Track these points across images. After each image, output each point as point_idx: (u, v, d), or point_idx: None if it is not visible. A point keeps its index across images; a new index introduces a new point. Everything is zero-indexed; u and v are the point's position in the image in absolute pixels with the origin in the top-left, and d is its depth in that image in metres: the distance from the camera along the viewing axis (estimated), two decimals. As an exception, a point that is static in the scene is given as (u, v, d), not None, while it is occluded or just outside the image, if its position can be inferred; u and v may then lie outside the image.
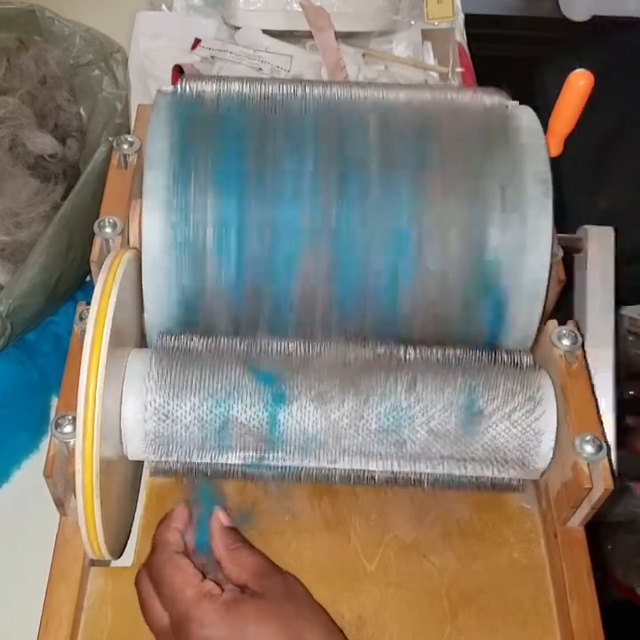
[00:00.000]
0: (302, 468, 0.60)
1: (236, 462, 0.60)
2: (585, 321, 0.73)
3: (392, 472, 0.61)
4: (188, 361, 0.60)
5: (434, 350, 0.62)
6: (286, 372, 0.59)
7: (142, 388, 0.58)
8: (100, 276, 0.56)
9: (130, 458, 0.61)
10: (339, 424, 0.58)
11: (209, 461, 0.60)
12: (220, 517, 0.58)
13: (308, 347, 0.62)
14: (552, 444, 0.60)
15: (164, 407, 0.58)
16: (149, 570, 0.56)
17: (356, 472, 0.61)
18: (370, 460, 0.60)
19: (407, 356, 0.61)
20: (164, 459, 0.60)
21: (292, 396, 0.58)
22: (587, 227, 0.76)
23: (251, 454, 0.59)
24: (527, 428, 0.59)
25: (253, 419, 0.58)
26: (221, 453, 0.59)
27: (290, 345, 0.62)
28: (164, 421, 0.58)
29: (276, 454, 0.59)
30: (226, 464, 0.60)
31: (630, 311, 1.33)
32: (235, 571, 0.55)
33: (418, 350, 0.62)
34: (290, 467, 0.60)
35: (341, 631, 0.56)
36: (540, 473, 0.62)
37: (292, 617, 0.53)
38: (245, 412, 0.58)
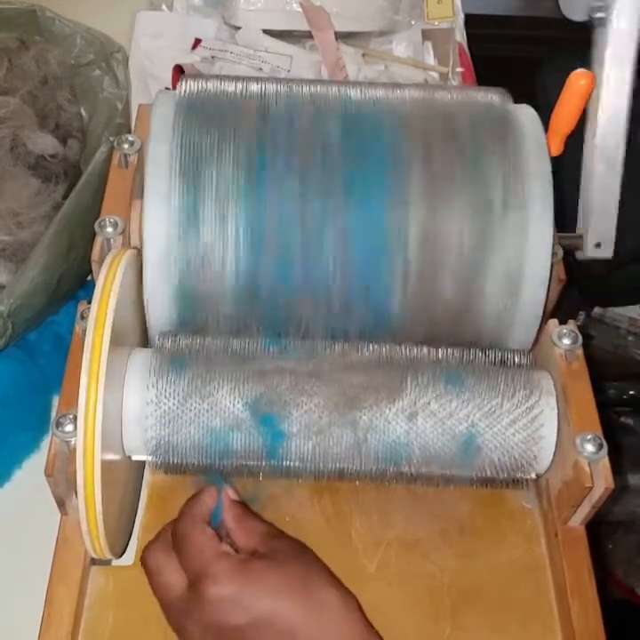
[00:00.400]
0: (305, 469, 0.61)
1: (238, 463, 0.60)
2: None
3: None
4: (189, 362, 0.60)
5: (434, 351, 0.62)
6: (283, 405, 0.59)
7: (143, 388, 0.58)
8: (100, 275, 0.56)
9: (130, 457, 0.61)
10: (337, 448, 0.59)
11: (209, 462, 0.60)
12: (230, 493, 0.59)
13: (306, 348, 0.62)
14: (553, 442, 0.60)
15: (164, 407, 0.58)
16: (171, 534, 0.57)
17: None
18: (370, 472, 0.61)
19: (407, 358, 0.61)
20: (164, 458, 0.60)
21: (291, 431, 0.58)
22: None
23: (252, 460, 0.60)
24: (528, 428, 0.59)
25: (253, 445, 0.58)
26: (222, 452, 0.59)
27: (288, 346, 0.62)
28: (164, 421, 0.58)
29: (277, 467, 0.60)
30: (227, 463, 0.60)
31: (630, 311, 1.34)
32: (244, 537, 0.57)
33: (417, 351, 0.62)
34: (291, 465, 0.60)
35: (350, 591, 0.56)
36: (542, 471, 0.62)
37: (302, 573, 0.54)
38: (245, 441, 0.58)
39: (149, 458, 0.60)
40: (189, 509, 0.58)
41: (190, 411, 0.58)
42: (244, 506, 0.59)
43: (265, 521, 0.59)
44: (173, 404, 0.58)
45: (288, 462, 0.59)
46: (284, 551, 0.56)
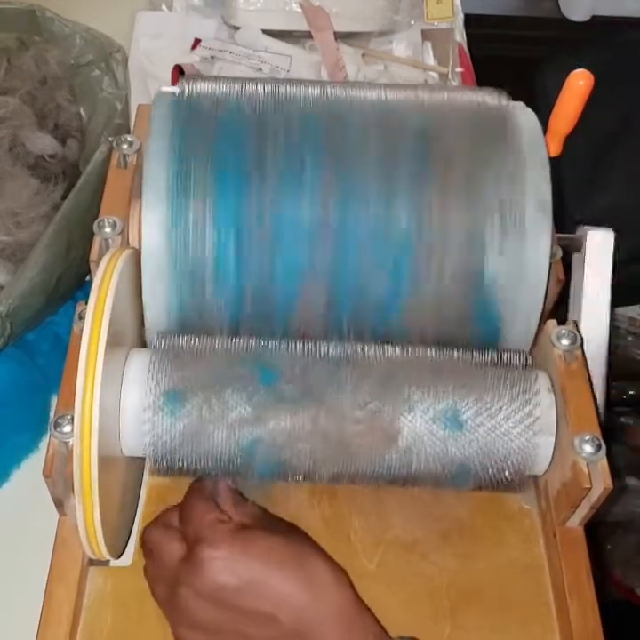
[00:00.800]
0: (300, 470, 0.60)
1: (236, 456, 0.60)
2: (580, 320, 0.73)
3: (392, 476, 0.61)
4: (187, 362, 0.60)
5: (431, 350, 0.62)
6: (281, 392, 0.59)
7: (141, 388, 0.58)
8: (97, 275, 0.55)
9: (128, 457, 0.61)
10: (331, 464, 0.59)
11: (209, 461, 0.60)
12: (228, 482, 0.60)
13: (306, 347, 0.62)
14: (551, 443, 0.60)
15: (163, 407, 0.58)
16: (180, 507, 0.59)
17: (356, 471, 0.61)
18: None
19: (404, 359, 0.61)
20: (162, 458, 0.60)
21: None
22: (586, 228, 0.76)
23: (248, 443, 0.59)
24: (526, 428, 0.59)
25: (248, 437, 0.58)
26: (221, 452, 0.59)
27: (289, 345, 0.62)
28: (162, 421, 0.58)
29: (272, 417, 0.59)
30: (226, 463, 0.60)
31: (630, 311, 1.34)
32: (239, 518, 0.58)
33: (415, 351, 0.62)
34: (289, 464, 0.60)
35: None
36: (541, 472, 0.62)
37: (295, 547, 0.56)
38: (245, 407, 0.58)
39: (148, 458, 0.60)
40: (198, 484, 0.60)
41: (188, 411, 0.58)
42: (240, 494, 0.61)
43: (259, 506, 0.60)
44: (171, 406, 0.58)
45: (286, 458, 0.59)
46: (279, 527, 0.58)
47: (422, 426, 0.59)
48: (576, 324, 0.64)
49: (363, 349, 0.62)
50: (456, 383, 0.60)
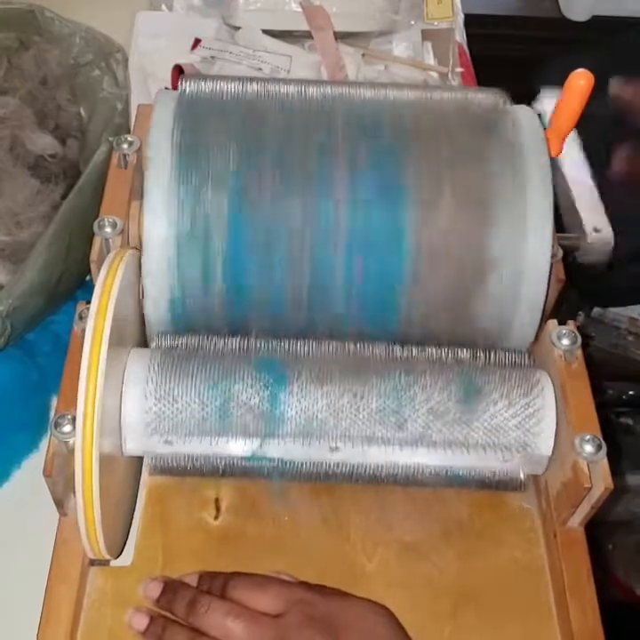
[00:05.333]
0: (302, 464, 0.60)
1: (237, 454, 0.60)
2: None
3: (393, 466, 0.61)
4: (188, 361, 0.60)
5: (432, 350, 0.62)
6: (287, 360, 0.60)
7: (142, 388, 0.58)
8: (100, 276, 0.56)
9: (128, 457, 0.61)
10: (339, 402, 0.58)
11: (209, 461, 0.60)
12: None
13: (308, 345, 0.62)
14: (551, 443, 0.60)
15: (163, 406, 0.58)
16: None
17: (356, 468, 0.61)
18: (371, 444, 0.60)
19: (405, 356, 0.62)
20: (163, 458, 0.60)
21: (293, 377, 0.58)
22: None
23: (252, 441, 0.59)
24: (526, 428, 0.59)
25: (254, 398, 0.58)
26: (221, 452, 0.59)
27: (290, 344, 0.62)
28: (163, 420, 0.58)
29: (277, 438, 0.59)
30: (225, 462, 0.60)
31: (630, 311, 1.33)
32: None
33: (416, 350, 0.62)
34: (289, 462, 0.60)
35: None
36: (541, 471, 0.62)
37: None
38: (246, 392, 0.58)
39: (148, 458, 0.60)
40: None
41: (189, 410, 0.58)
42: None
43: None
44: (172, 404, 0.58)
45: (289, 414, 0.59)
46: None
47: (424, 423, 0.59)
48: (576, 325, 0.64)
49: (364, 349, 0.62)
50: (457, 382, 0.60)
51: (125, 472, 0.62)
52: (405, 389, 0.59)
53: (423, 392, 0.59)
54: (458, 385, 0.59)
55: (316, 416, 0.58)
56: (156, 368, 0.59)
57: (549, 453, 0.60)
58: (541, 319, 0.64)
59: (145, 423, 0.58)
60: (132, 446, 0.59)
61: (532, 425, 0.59)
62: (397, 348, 0.62)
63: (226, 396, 0.58)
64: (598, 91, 0.67)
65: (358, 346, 0.62)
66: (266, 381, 0.58)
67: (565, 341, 0.62)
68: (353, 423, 0.59)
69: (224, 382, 0.58)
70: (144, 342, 0.65)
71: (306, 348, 0.62)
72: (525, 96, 0.69)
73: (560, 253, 0.68)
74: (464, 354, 0.62)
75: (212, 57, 1.02)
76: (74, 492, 0.53)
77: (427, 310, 0.63)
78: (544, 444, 0.60)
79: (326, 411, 0.58)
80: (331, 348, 0.62)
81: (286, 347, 0.62)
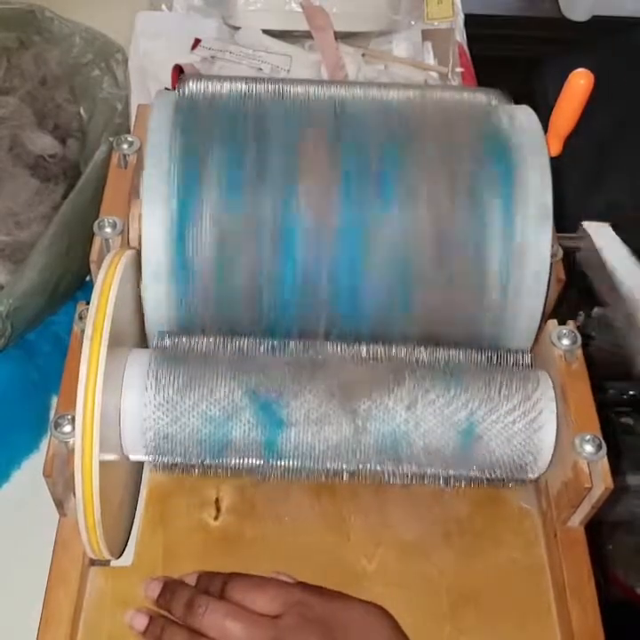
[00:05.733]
0: (299, 460, 0.60)
1: (236, 461, 0.60)
2: None
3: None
4: (187, 361, 0.60)
5: (433, 351, 0.62)
6: (285, 394, 0.59)
7: (142, 388, 0.58)
8: (99, 276, 0.56)
9: (129, 457, 0.61)
10: (337, 447, 0.59)
11: (208, 460, 0.60)
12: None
13: (308, 351, 0.62)
14: (552, 443, 0.60)
15: (163, 407, 0.58)
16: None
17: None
18: (367, 473, 0.60)
19: (406, 359, 0.61)
20: (163, 458, 0.60)
21: (291, 421, 0.58)
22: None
23: (251, 457, 0.59)
24: (527, 428, 0.59)
25: (253, 432, 0.58)
26: (221, 452, 0.59)
27: (289, 346, 0.62)
28: (163, 421, 0.58)
29: (276, 461, 0.59)
30: (225, 463, 0.60)
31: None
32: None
33: (417, 352, 0.62)
34: (290, 461, 0.60)
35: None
36: (541, 472, 0.62)
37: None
38: (246, 428, 0.58)
39: (148, 458, 0.60)
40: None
41: (189, 410, 0.58)
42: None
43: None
44: (172, 404, 0.58)
45: (287, 458, 0.59)
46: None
47: (424, 421, 0.59)
48: (576, 324, 0.64)
49: (364, 349, 0.62)
50: (457, 382, 0.60)
51: (126, 472, 0.62)
52: (404, 435, 0.58)
53: (421, 437, 0.59)
54: (458, 428, 0.59)
55: (313, 449, 0.59)
56: (156, 370, 0.59)
57: (550, 453, 0.60)
58: (541, 319, 0.64)
59: (143, 425, 0.58)
60: (130, 448, 0.59)
61: (533, 425, 0.59)
62: (397, 353, 0.62)
63: (224, 417, 0.58)
64: (599, 92, 0.67)
65: (359, 350, 0.62)
66: (263, 429, 0.58)
67: (566, 341, 0.62)
68: (350, 462, 0.59)
69: (222, 404, 0.58)
70: (144, 342, 0.65)
71: (305, 350, 0.62)
72: (525, 96, 0.69)
73: (560, 253, 0.68)
74: (464, 356, 0.62)
75: (212, 57, 1.02)
76: (74, 493, 0.53)
77: (425, 311, 0.63)
78: (545, 444, 0.60)
79: (324, 455, 0.59)
80: (332, 349, 0.62)
81: (286, 347, 0.62)
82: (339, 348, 0.62)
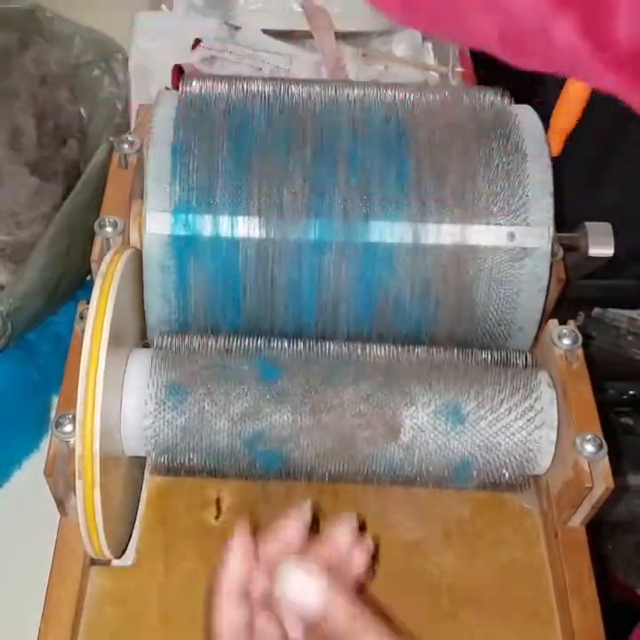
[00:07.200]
0: (302, 466, 0.60)
1: (237, 461, 0.60)
2: None
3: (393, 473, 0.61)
4: (188, 359, 0.60)
5: (434, 350, 0.62)
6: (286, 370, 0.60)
7: (142, 388, 0.58)
8: (99, 275, 0.56)
9: (130, 456, 0.61)
10: (337, 453, 0.59)
11: (209, 460, 0.60)
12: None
13: (308, 348, 0.62)
14: (553, 443, 0.60)
15: (163, 407, 0.58)
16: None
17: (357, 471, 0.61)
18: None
19: (407, 359, 0.62)
20: (163, 458, 0.60)
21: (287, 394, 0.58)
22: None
23: (250, 449, 0.59)
24: (527, 428, 0.59)
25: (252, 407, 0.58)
26: (221, 451, 0.59)
27: (290, 346, 0.62)
28: (163, 421, 0.58)
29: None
30: (225, 462, 0.60)
31: (630, 311, 1.33)
32: None
33: (417, 350, 0.62)
34: (291, 458, 0.60)
35: None
36: (542, 472, 0.62)
37: None
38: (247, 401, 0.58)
39: (148, 457, 0.60)
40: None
41: (189, 410, 0.58)
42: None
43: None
44: (172, 404, 0.58)
45: (287, 457, 0.59)
46: None
47: (424, 419, 0.59)
48: (576, 324, 0.64)
49: (364, 348, 0.62)
50: (457, 381, 0.60)
51: (127, 471, 0.62)
52: (404, 433, 0.59)
53: (421, 436, 0.59)
54: (451, 415, 0.59)
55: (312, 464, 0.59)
56: (157, 370, 0.59)
57: (551, 454, 0.60)
58: (542, 319, 0.64)
59: (143, 424, 0.58)
60: (131, 446, 0.59)
61: (534, 424, 0.59)
62: (398, 348, 0.62)
63: (225, 415, 0.58)
64: (599, 92, 0.67)
65: (358, 348, 0.62)
66: (263, 392, 0.58)
67: (566, 341, 0.62)
68: (347, 464, 0.60)
69: (223, 402, 0.58)
70: (144, 342, 0.65)
71: (305, 349, 0.62)
72: (526, 96, 0.69)
73: (560, 253, 0.68)
74: (465, 355, 0.62)
75: (212, 57, 1.02)
76: (74, 492, 0.53)
77: (426, 311, 0.63)
78: (545, 444, 0.60)
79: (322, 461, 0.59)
80: (332, 348, 0.62)
81: (286, 346, 0.62)
82: (340, 347, 0.62)
